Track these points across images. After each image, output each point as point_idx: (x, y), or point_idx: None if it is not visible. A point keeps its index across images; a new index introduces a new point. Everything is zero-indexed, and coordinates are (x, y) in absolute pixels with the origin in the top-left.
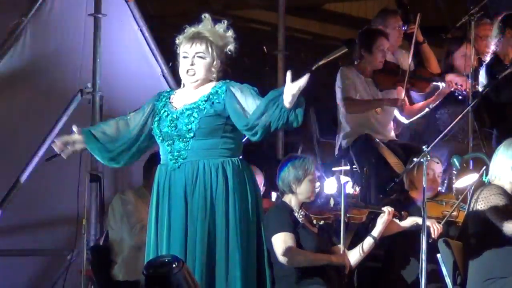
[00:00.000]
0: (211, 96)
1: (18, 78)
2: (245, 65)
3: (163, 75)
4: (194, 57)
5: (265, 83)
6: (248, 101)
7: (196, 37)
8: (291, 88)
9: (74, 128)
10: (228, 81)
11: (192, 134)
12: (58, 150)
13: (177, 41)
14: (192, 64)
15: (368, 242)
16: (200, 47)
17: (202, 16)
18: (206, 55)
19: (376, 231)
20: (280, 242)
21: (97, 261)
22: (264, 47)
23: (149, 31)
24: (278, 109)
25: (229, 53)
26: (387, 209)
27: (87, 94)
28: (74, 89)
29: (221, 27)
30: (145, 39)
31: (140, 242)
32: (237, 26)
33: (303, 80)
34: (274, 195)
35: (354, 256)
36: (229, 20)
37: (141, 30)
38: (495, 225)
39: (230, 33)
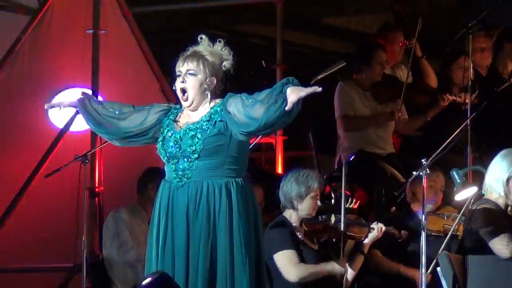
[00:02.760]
0: (212, 116)
1: (17, 93)
2: (244, 80)
3: (162, 90)
4: (186, 74)
5: None
6: (241, 103)
7: (189, 56)
8: (301, 92)
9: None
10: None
11: (196, 155)
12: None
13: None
14: (183, 82)
15: (358, 257)
16: (191, 65)
17: (199, 38)
18: (198, 72)
19: (364, 246)
20: (285, 259)
21: (97, 278)
22: (263, 61)
23: (147, 46)
24: (281, 100)
25: (224, 69)
26: (377, 226)
27: None
28: None
29: (218, 46)
30: (144, 54)
31: (129, 261)
32: (234, 40)
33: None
34: None
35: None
36: (226, 35)
37: (139, 45)
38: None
39: (226, 50)
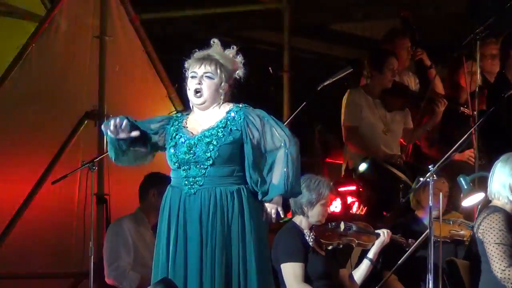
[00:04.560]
0: (228, 123)
1: (24, 100)
2: (251, 86)
3: (168, 96)
4: (202, 77)
5: (271, 104)
6: (267, 141)
7: (206, 59)
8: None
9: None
10: (244, 106)
11: (211, 162)
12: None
13: (186, 65)
14: (199, 83)
15: (365, 265)
16: (209, 68)
17: (211, 41)
18: (215, 76)
19: (371, 253)
20: (290, 273)
21: (104, 284)
22: (270, 67)
23: (154, 52)
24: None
25: (238, 77)
26: (382, 232)
27: (93, 116)
28: (81, 111)
29: (230, 52)
30: (151, 60)
31: (117, 279)
32: (242, 47)
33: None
34: None
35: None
36: (236, 42)
37: (146, 51)
38: None
39: (239, 58)
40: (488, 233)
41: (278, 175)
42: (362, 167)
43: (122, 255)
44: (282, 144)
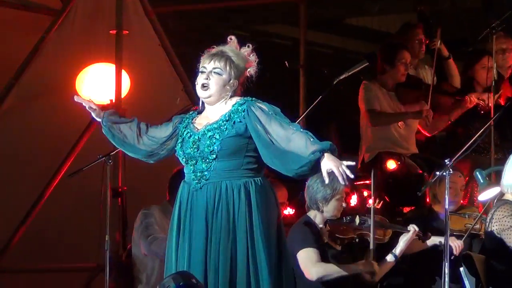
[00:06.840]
0: (231, 115)
1: (40, 93)
2: (266, 80)
3: (185, 90)
4: (211, 72)
5: (287, 98)
6: (272, 127)
7: (217, 55)
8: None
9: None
10: (250, 99)
11: (214, 156)
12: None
13: (201, 60)
14: (207, 78)
15: (389, 260)
16: (218, 64)
17: (228, 38)
18: (223, 72)
19: (398, 249)
20: (306, 257)
21: (121, 278)
22: (285, 61)
23: (170, 46)
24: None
25: (248, 75)
26: (412, 228)
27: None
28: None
29: (246, 50)
30: (167, 54)
31: (158, 253)
32: (257, 41)
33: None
34: None
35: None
36: (251, 36)
37: (162, 45)
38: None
39: (253, 57)
40: (503, 221)
41: (302, 143)
42: (391, 164)
43: (155, 227)
44: (293, 128)
